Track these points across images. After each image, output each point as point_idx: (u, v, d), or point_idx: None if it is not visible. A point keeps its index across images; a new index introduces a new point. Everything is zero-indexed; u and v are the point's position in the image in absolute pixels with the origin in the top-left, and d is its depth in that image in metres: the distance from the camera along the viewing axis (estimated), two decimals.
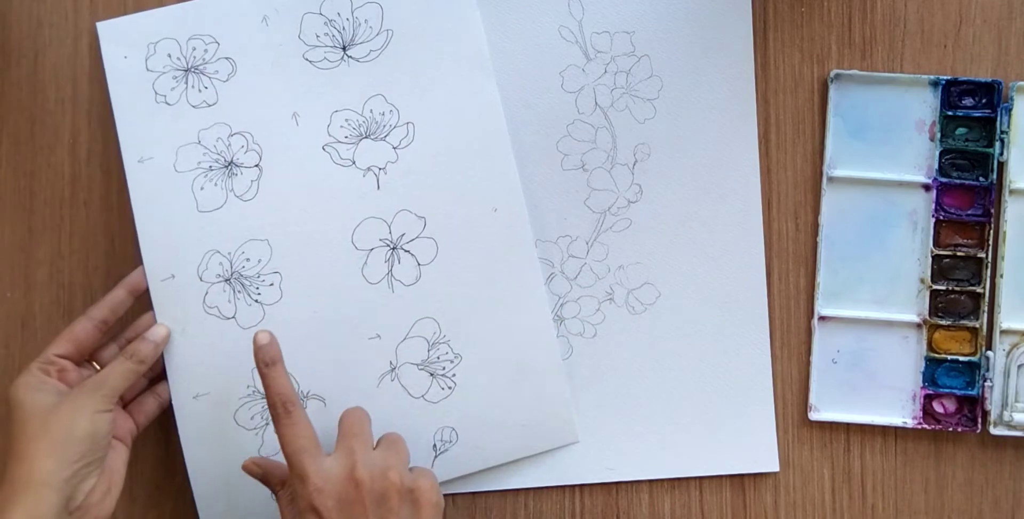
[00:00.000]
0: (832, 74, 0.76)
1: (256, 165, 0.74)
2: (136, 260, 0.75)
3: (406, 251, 0.75)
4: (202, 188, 0.74)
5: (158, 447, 0.77)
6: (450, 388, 0.75)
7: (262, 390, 0.69)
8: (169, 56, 0.75)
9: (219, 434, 0.74)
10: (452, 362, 0.75)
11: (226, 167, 0.74)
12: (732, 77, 0.76)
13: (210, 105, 0.75)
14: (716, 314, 0.76)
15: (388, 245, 0.75)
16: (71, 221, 0.77)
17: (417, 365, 0.75)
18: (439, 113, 0.75)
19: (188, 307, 0.74)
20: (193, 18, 0.75)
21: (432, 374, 0.75)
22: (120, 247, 0.76)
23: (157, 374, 0.75)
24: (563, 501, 0.78)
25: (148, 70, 0.75)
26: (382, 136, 0.75)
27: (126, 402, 0.74)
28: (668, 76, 0.76)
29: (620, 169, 0.76)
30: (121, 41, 0.75)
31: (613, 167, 0.76)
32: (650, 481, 0.77)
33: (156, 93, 0.74)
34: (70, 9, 0.77)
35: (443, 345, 0.75)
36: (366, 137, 0.75)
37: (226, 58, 0.75)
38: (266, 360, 0.68)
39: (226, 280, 0.74)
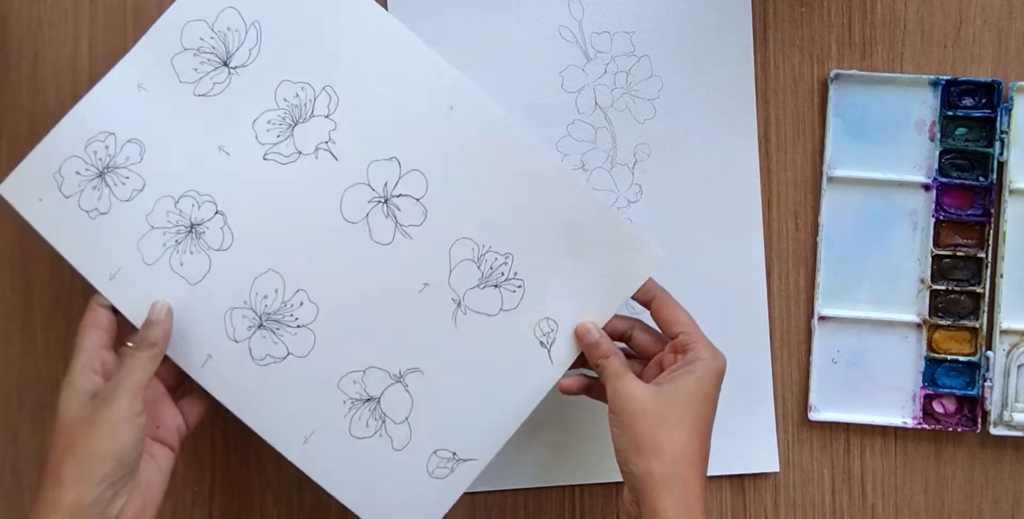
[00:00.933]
0: (832, 74, 0.76)
1: (216, 212, 0.71)
2: None
3: (397, 196, 0.71)
4: (181, 264, 0.71)
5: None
6: (520, 286, 0.72)
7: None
8: (77, 173, 0.72)
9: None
10: (507, 263, 0.72)
11: (190, 232, 0.71)
12: (732, 77, 0.76)
13: (141, 190, 0.71)
14: (716, 314, 0.76)
15: (379, 201, 0.71)
16: None
17: (478, 287, 0.72)
18: (347, 63, 0.72)
19: (244, 369, 0.71)
20: (76, 126, 0.72)
21: (497, 285, 0.72)
22: None
23: None
24: (563, 501, 0.78)
25: (66, 197, 0.72)
26: (309, 114, 0.72)
27: (173, 390, 0.72)
28: (668, 76, 0.76)
29: (620, 169, 0.76)
30: (27, 190, 0.72)
31: (613, 167, 0.76)
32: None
33: (86, 212, 0.71)
34: (70, 9, 0.77)
35: (488, 254, 0.72)
36: (296, 125, 0.72)
37: (128, 141, 0.72)
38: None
39: (260, 327, 0.72)
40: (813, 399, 0.77)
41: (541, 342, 0.72)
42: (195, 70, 0.72)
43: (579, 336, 0.70)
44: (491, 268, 0.71)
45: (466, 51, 0.76)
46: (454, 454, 0.71)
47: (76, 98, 0.76)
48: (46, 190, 0.71)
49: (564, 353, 0.71)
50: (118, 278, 0.71)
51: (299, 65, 0.72)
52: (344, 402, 0.71)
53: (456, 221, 0.71)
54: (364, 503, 0.72)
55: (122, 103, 0.72)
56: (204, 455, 0.77)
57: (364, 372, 0.71)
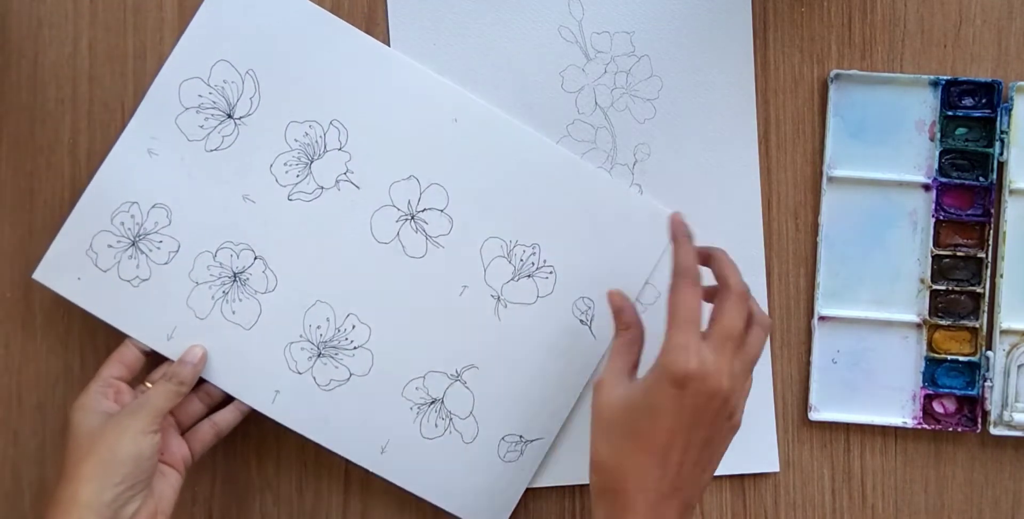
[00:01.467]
0: (832, 74, 0.76)
1: (255, 258, 0.75)
2: None
3: (422, 211, 0.75)
4: (233, 312, 0.75)
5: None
6: (551, 272, 0.76)
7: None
8: (110, 246, 0.74)
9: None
10: (535, 253, 0.76)
11: (235, 281, 0.75)
12: (732, 77, 0.76)
13: (177, 251, 0.75)
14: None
15: (406, 218, 0.75)
16: None
17: (513, 280, 0.76)
18: (347, 94, 0.75)
19: (312, 397, 0.75)
20: (97, 201, 0.74)
21: (530, 275, 0.76)
22: None
23: (217, 403, 0.75)
24: (563, 501, 0.78)
25: (104, 271, 0.74)
26: (322, 150, 0.75)
27: (184, 428, 0.74)
28: (668, 76, 0.76)
29: (620, 169, 0.76)
30: (62, 271, 0.74)
31: (613, 167, 0.76)
32: None
33: (128, 281, 0.74)
34: (70, 9, 0.76)
35: (516, 248, 0.75)
36: (312, 162, 0.75)
37: (153, 206, 0.74)
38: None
39: (319, 355, 0.75)
40: (813, 399, 0.77)
41: (581, 320, 0.76)
42: (201, 127, 0.74)
43: (610, 300, 0.71)
44: (521, 260, 0.76)
45: (466, 52, 0.76)
46: (521, 437, 0.76)
47: (76, 98, 0.77)
48: (82, 268, 0.74)
49: (605, 327, 0.75)
50: (175, 337, 0.74)
51: (302, 105, 0.75)
52: (411, 408, 0.76)
53: (481, 223, 0.75)
54: (446, 496, 0.76)
55: (137, 171, 0.74)
56: (204, 455, 0.77)
57: (424, 377, 0.76)
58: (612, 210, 0.75)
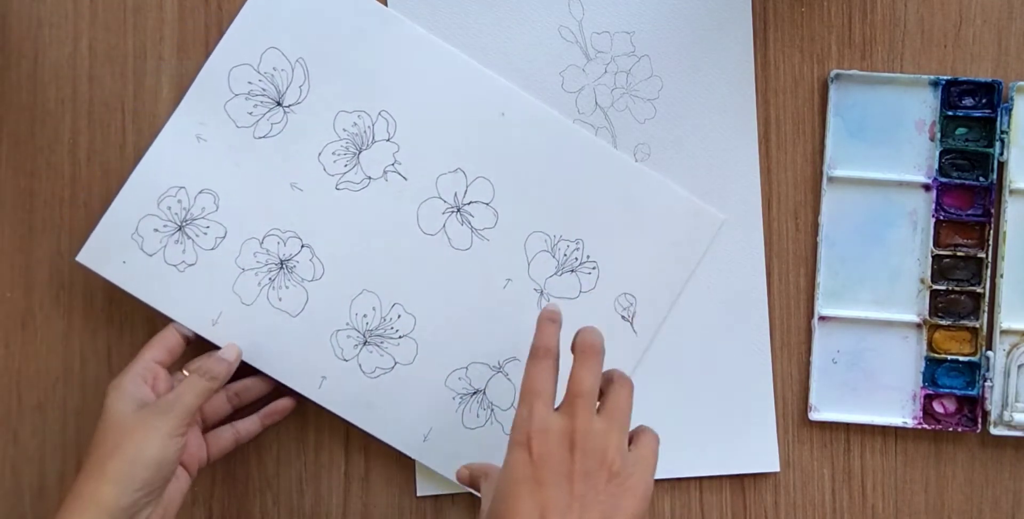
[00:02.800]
0: (832, 74, 0.76)
1: (302, 246, 0.75)
2: None
3: (468, 203, 0.76)
4: (280, 299, 0.75)
5: None
6: (595, 267, 0.76)
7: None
8: (156, 230, 0.74)
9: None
10: (579, 248, 0.76)
11: (281, 268, 0.75)
12: (732, 77, 0.76)
13: (224, 237, 0.75)
14: (716, 314, 0.76)
15: (452, 210, 0.76)
16: (71, 221, 0.77)
17: (556, 274, 0.76)
18: (396, 85, 0.75)
19: (358, 384, 0.76)
20: (145, 184, 0.74)
21: (573, 270, 0.76)
22: None
23: (244, 405, 0.76)
24: None
25: (150, 255, 0.74)
26: (370, 140, 0.75)
27: (207, 426, 0.74)
28: (668, 76, 0.76)
29: None
30: (108, 254, 0.74)
31: None
32: None
33: (174, 266, 0.75)
34: (70, 9, 0.76)
35: (561, 243, 0.76)
36: (360, 152, 0.75)
37: (200, 192, 0.75)
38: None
39: (365, 343, 0.76)
40: (813, 399, 0.77)
41: (623, 316, 0.77)
42: (250, 114, 0.75)
43: (459, 480, 0.69)
44: (565, 255, 0.76)
45: (466, 52, 0.76)
46: None
47: (76, 98, 0.76)
48: (127, 251, 0.74)
49: (646, 323, 0.77)
50: (220, 323, 0.75)
51: (351, 94, 0.75)
52: (454, 398, 0.76)
53: (526, 218, 0.76)
54: None
55: (185, 156, 0.75)
56: None
57: (467, 368, 0.76)
58: (656, 207, 0.76)
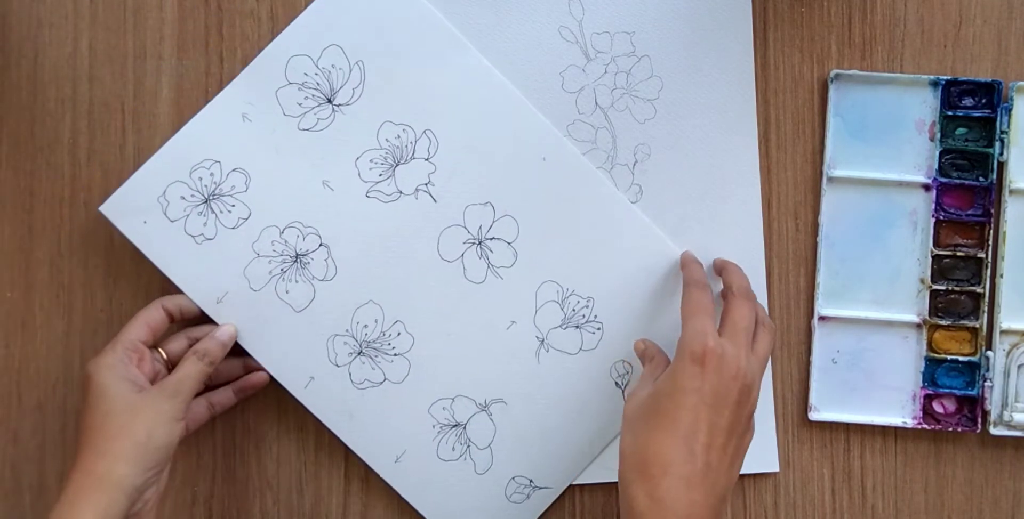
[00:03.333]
0: (832, 74, 0.76)
1: (320, 244, 0.75)
2: (136, 252, 0.75)
3: (491, 239, 0.76)
4: (287, 291, 0.75)
5: None
6: (599, 328, 0.76)
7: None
8: (183, 198, 0.75)
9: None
10: (588, 306, 0.76)
11: (295, 262, 0.75)
12: (732, 77, 0.76)
13: (247, 219, 0.75)
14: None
15: (474, 242, 0.76)
16: (71, 221, 0.77)
17: (561, 327, 0.76)
18: (447, 109, 0.75)
19: (344, 392, 0.76)
20: (182, 152, 0.75)
21: (578, 326, 0.76)
22: (120, 247, 0.76)
23: (212, 386, 0.75)
24: (563, 501, 0.78)
25: (172, 221, 0.75)
26: (409, 156, 0.75)
27: None
28: (668, 76, 0.76)
29: (620, 169, 0.76)
30: (131, 211, 0.75)
31: (613, 167, 0.76)
32: None
33: (192, 237, 0.75)
34: (70, 9, 0.76)
35: (571, 297, 0.76)
36: (397, 165, 0.75)
37: (234, 170, 0.75)
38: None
39: (360, 353, 0.76)
40: (813, 399, 0.77)
41: (616, 382, 0.77)
42: (299, 104, 0.75)
43: (636, 350, 0.73)
44: (573, 310, 0.76)
45: None
46: (531, 482, 0.77)
47: (76, 98, 0.77)
48: (150, 213, 0.75)
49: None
50: (225, 302, 0.75)
51: (401, 107, 0.75)
52: (433, 426, 0.77)
53: (543, 265, 0.76)
54: None
55: (227, 132, 0.75)
56: (204, 455, 0.77)
57: (453, 400, 0.77)
58: (674, 285, 0.76)
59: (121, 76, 0.77)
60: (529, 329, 0.76)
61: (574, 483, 0.77)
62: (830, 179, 0.76)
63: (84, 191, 0.77)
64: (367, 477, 0.77)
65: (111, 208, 0.75)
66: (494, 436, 0.76)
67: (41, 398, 0.78)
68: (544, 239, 0.76)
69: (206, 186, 0.75)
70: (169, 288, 0.75)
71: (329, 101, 0.75)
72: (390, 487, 0.77)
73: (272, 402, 0.77)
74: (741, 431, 0.64)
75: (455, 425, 0.76)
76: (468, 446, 0.76)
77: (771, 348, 0.68)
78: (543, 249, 0.76)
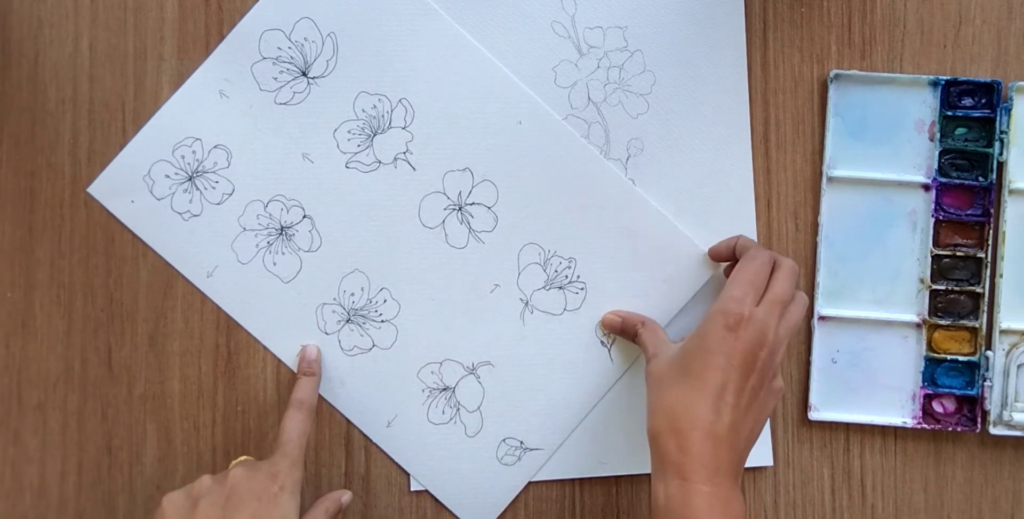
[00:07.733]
0: (832, 74, 0.76)
1: (304, 216, 0.77)
2: (137, 252, 0.75)
3: (471, 204, 0.77)
4: (274, 263, 0.77)
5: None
6: (583, 288, 0.77)
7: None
8: (167, 176, 0.76)
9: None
10: (570, 267, 0.77)
11: (281, 234, 0.77)
12: (725, 72, 0.76)
13: (231, 194, 0.76)
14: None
15: (454, 208, 0.76)
16: (71, 221, 0.77)
17: (544, 288, 0.77)
18: (421, 77, 0.76)
19: (335, 359, 0.77)
20: (163, 131, 0.76)
21: (561, 287, 0.77)
22: (120, 247, 0.77)
23: None
24: (563, 500, 0.78)
25: (158, 199, 0.76)
26: (386, 125, 0.76)
27: None
28: (661, 71, 0.76)
29: (613, 164, 0.76)
30: (118, 191, 0.77)
31: (606, 162, 0.76)
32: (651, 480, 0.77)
33: (179, 214, 0.77)
34: (70, 9, 0.77)
35: (554, 258, 0.77)
36: (375, 135, 0.76)
37: (215, 147, 0.76)
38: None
39: (348, 321, 0.77)
40: (813, 399, 0.76)
41: (602, 342, 0.77)
42: (275, 79, 0.76)
43: (606, 327, 0.76)
44: (556, 271, 0.77)
45: None
46: (521, 443, 0.78)
47: (76, 98, 0.77)
48: (137, 192, 0.77)
49: (623, 354, 0.78)
50: (215, 276, 0.77)
51: (375, 77, 0.76)
52: (423, 390, 0.78)
53: (524, 228, 0.77)
54: (439, 484, 0.78)
55: (205, 109, 0.76)
56: (204, 455, 0.77)
57: (441, 364, 0.78)
58: (654, 241, 0.76)
59: (121, 76, 0.77)
60: (513, 292, 0.77)
61: (574, 481, 0.77)
62: (830, 179, 0.76)
63: (84, 191, 0.77)
64: (367, 476, 0.77)
65: (99, 189, 0.76)
66: (483, 398, 0.77)
67: (41, 398, 0.78)
68: (524, 202, 0.77)
69: (189, 164, 0.76)
70: (169, 289, 0.76)
71: (304, 74, 0.76)
72: (390, 485, 0.77)
73: (271, 371, 0.78)
74: (767, 395, 0.66)
75: (444, 389, 0.77)
76: (458, 409, 0.77)
77: (800, 319, 0.69)
78: (523, 212, 0.77)
